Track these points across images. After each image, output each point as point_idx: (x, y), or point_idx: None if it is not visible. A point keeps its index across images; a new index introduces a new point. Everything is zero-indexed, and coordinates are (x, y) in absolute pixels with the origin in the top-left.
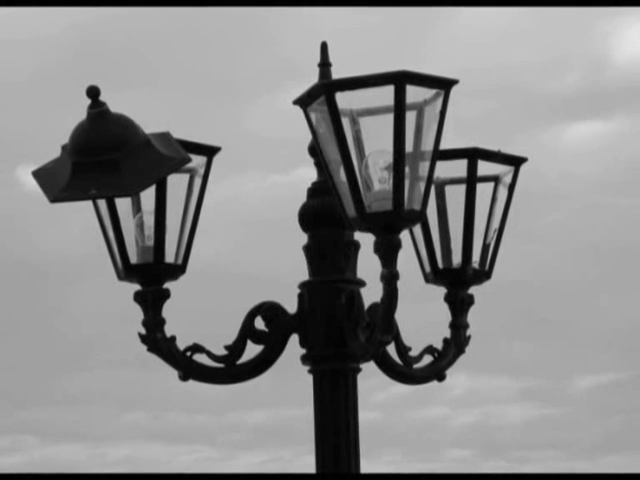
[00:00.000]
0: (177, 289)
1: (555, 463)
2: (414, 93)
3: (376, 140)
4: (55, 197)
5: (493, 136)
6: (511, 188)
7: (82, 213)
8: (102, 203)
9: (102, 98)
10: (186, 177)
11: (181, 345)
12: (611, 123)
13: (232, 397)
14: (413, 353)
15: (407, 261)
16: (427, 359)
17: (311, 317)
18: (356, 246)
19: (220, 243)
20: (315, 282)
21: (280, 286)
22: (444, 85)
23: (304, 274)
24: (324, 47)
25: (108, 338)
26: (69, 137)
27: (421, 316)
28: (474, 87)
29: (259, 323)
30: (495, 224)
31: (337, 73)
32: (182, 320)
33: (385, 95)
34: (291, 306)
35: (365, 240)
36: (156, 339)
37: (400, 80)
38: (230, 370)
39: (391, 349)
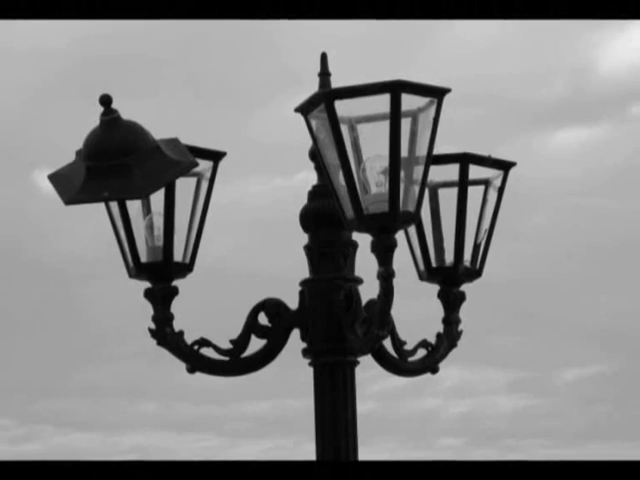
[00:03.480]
0: (185, 286)
1: (542, 451)
2: (409, 101)
3: (373, 145)
4: (70, 199)
5: (483, 142)
6: (500, 191)
7: (95, 215)
8: (114, 205)
9: (114, 106)
10: (193, 181)
11: (189, 339)
12: (595, 130)
13: (237, 389)
14: (408, 347)
15: (402, 260)
16: (421, 353)
17: (311, 313)
18: (354, 246)
19: (226, 243)
20: (315, 280)
21: (282, 284)
22: (437, 93)
23: (305, 272)
24: (324, 58)
25: (120, 333)
26: (83, 142)
27: (415, 312)
28: (466, 95)
29: (262, 319)
30: (485, 225)
31: (336, 82)
32: (190, 316)
33: (381, 103)
34: (293, 302)
35: (363, 240)
36: (165, 334)
37: (396, 89)
38: (235, 363)
39: (387, 343)
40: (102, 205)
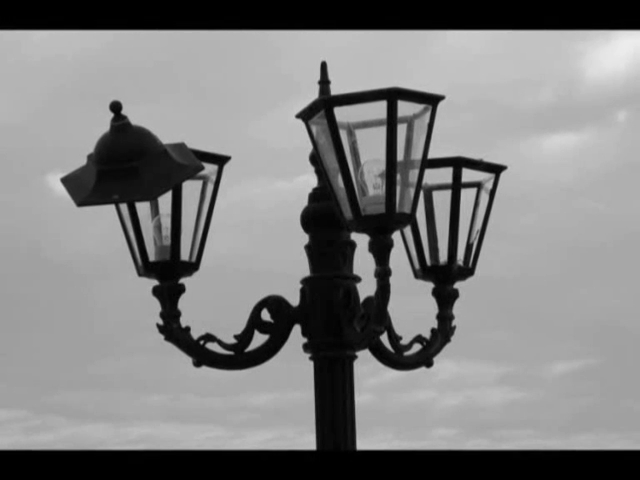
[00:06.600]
0: (191, 284)
1: (531, 441)
2: (405, 108)
3: (370, 150)
4: (81, 201)
5: (476, 146)
6: (492, 193)
7: (106, 216)
8: (124, 207)
9: (123, 112)
10: (199, 183)
11: (195, 335)
12: (582, 135)
13: (241, 382)
14: (404, 342)
15: (398, 259)
16: (416, 347)
17: (312, 309)
18: (352, 245)
19: (230, 243)
20: (315, 278)
21: (284, 281)
22: (432, 100)
23: (305, 271)
24: (324, 66)
25: (129, 329)
26: (94, 147)
27: (411, 309)
28: (459, 102)
29: (265, 315)
30: (478, 226)
31: (335, 90)
32: (196, 312)
33: (379, 109)
34: (294, 299)
35: (361, 240)
36: (172, 329)
37: (392, 96)
38: (239, 357)
39: (384, 338)
40: (112, 207)
